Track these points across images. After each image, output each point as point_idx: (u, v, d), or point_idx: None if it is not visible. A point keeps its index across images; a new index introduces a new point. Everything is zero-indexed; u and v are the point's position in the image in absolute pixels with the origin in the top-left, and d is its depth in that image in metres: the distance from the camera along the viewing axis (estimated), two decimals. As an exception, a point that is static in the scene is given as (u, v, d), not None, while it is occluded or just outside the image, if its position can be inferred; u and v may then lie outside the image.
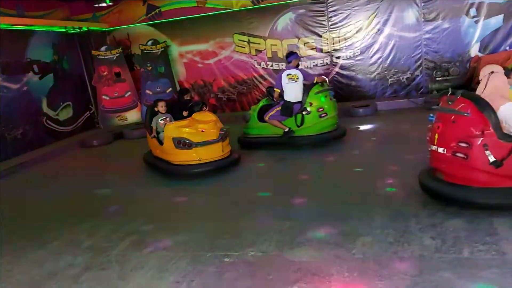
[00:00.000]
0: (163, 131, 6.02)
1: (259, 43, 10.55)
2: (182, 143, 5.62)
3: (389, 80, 9.88)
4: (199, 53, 11.02)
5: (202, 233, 3.96)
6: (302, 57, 9.77)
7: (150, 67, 10.86)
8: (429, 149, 3.91)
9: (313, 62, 10.29)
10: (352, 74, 10.10)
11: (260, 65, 10.69)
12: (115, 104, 11.01)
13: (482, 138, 3.40)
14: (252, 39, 10.57)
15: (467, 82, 8.83)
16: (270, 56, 10.53)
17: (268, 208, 4.39)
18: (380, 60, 9.84)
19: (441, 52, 9.45)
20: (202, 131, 5.66)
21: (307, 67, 10.26)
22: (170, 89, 10.89)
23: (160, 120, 6.36)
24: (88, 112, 11.34)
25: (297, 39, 10.24)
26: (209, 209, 4.71)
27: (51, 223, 4.75)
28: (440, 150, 3.70)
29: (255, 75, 10.78)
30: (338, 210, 4.07)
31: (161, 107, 6.43)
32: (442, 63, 9.47)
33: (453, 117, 3.59)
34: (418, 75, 9.68)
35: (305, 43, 10.22)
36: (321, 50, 10.18)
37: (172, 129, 5.78)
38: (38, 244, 4.16)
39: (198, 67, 11.12)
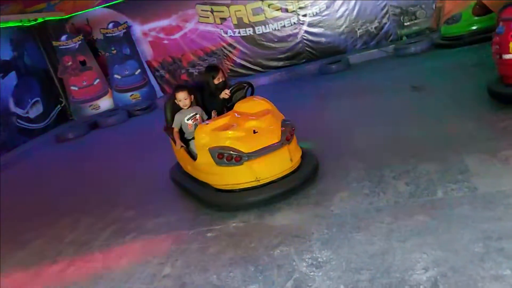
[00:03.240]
0: (193, 138, 3.95)
1: (223, 11, 10.25)
2: (226, 157, 3.50)
3: (358, 32, 9.75)
4: (162, 30, 10.69)
5: (184, 212, 3.96)
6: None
7: (115, 51, 10.54)
8: (500, 59, 4.06)
9: (280, 24, 10.06)
10: (321, 30, 9.93)
11: (227, 34, 10.43)
12: (85, 94, 10.76)
13: None
14: (215, 8, 10.25)
15: (435, 22, 8.79)
16: (236, 23, 10.25)
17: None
18: (347, 12, 9.65)
19: (406, -4, 9.32)
20: (254, 132, 3.62)
21: (275, 29, 10.07)
22: (139, 70, 10.64)
23: (187, 120, 4.16)
24: (59, 106, 11.04)
25: (261, 2, 9.96)
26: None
27: (32, 222, 4.69)
28: None
29: (224, 44, 10.54)
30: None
31: (180, 100, 4.08)
32: (408, 7, 9.35)
33: None
34: (386, 23, 9.55)
35: (269, 5, 9.95)
36: (286, 10, 9.94)
37: (206, 134, 3.70)
38: (20, 245, 4.12)
39: (164, 44, 10.81)
